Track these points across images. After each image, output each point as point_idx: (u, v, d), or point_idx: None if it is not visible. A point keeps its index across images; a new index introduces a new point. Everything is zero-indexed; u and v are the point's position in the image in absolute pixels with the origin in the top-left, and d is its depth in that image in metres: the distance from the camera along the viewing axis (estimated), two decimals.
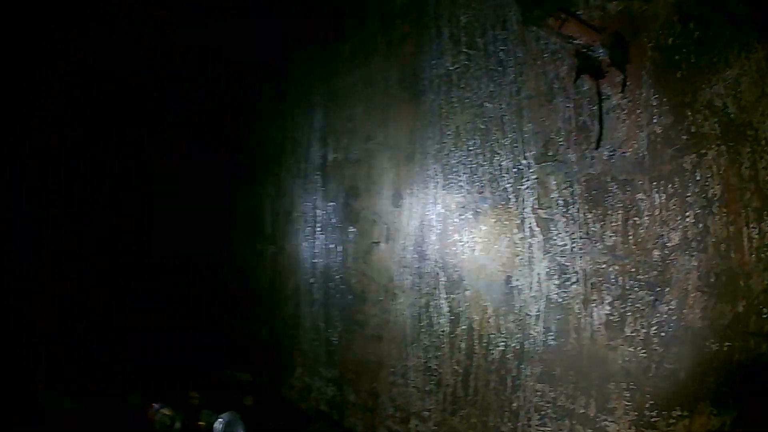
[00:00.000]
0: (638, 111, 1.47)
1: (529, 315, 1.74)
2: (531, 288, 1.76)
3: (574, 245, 1.63)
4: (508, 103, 1.87)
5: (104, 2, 3.54)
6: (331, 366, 2.57)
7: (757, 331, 1.21)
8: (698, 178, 1.32)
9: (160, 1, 3.52)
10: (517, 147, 1.84)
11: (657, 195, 1.41)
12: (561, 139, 1.69)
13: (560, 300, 1.65)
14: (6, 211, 3.42)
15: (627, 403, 1.40)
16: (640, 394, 1.37)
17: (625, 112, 1.51)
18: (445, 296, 2.07)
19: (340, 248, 2.65)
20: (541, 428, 1.63)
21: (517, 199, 1.83)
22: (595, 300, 1.54)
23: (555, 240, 1.69)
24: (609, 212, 1.54)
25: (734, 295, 1.23)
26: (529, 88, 1.79)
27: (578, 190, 1.63)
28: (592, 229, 1.58)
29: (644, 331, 1.39)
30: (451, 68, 2.07)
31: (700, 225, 1.31)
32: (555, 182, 1.71)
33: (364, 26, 2.51)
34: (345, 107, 2.61)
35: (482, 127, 1.96)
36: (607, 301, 1.51)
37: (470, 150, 2.01)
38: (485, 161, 1.95)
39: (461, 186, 2.04)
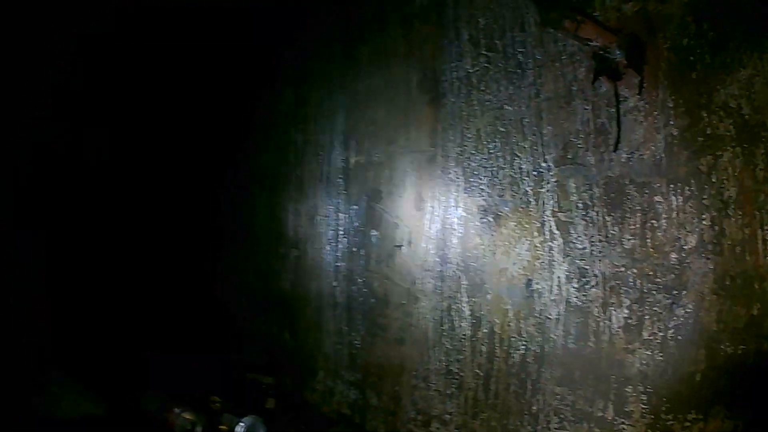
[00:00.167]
0: (655, 113, 1.55)
1: (549, 318, 1.83)
2: (551, 291, 1.84)
3: (593, 248, 1.71)
4: (527, 106, 1.96)
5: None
6: (353, 369, 2.71)
7: None
8: (714, 180, 1.39)
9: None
10: (536, 150, 1.93)
11: (674, 198, 1.48)
12: (580, 142, 1.77)
13: (580, 303, 1.73)
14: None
15: (644, 407, 1.47)
16: (657, 398, 1.44)
17: (642, 114, 1.58)
18: (467, 300, 2.17)
19: (362, 252, 2.77)
20: (560, 431, 1.71)
21: (537, 202, 1.92)
22: (613, 303, 1.62)
23: (575, 243, 1.77)
24: (627, 215, 1.61)
25: (749, 298, 1.29)
26: (548, 91, 1.88)
27: (597, 192, 1.71)
28: (611, 232, 1.66)
29: (661, 334, 1.46)
30: (470, 70, 2.18)
31: (716, 228, 1.38)
32: (574, 185, 1.79)
33: (384, 28, 2.64)
34: (367, 110, 2.74)
35: (502, 129, 2.06)
36: (625, 305, 1.58)
37: (491, 153, 2.10)
38: (506, 164, 2.05)
39: (482, 189, 2.14)
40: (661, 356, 1.45)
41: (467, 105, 2.19)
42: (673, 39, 1.50)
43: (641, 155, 1.58)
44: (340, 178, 2.93)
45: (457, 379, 2.13)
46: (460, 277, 2.21)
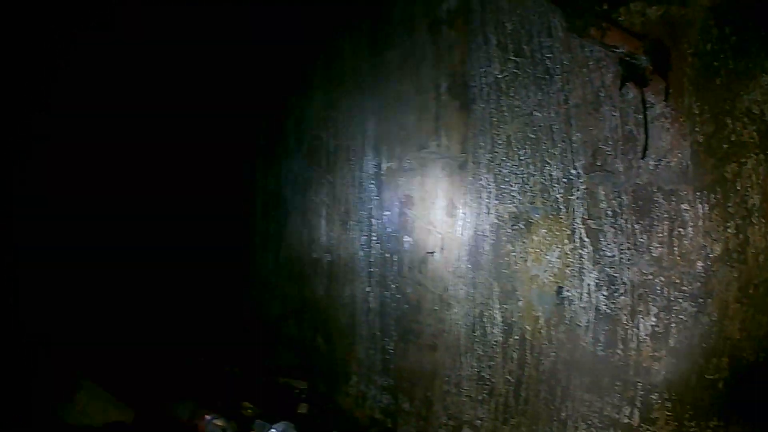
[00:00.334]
0: (681, 119, 1.63)
1: (579, 326, 1.93)
2: (581, 299, 1.94)
3: (622, 256, 1.81)
4: (556, 112, 2.06)
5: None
6: (386, 374, 2.87)
7: None
8: (738, 187, 1.47)
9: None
10: (566, 156, 2.03)
11: (700, 205, 1.57)
12: (608, 149, 1.87)
13: (609, 311, 1.83)
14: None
15: (668, 413, 1.56)
16: (681, 405, 1.53)
17: (668, 120, 1.67)
18: (499, 306, 2.29)
19: (395, 257, 2.93)
20: None
21: (567, 209, 2.02)
22: (641, 311, 1.71)
23: (604, 251, 1.87)
24: (655, 223, 1.70)
25: None
26: (576, 97, 1.98)
27: (626, 200, 1.81)
28: (640, 240, 1.75)
29: (687, 342, 1.55)
30: (499, 76, 2.30)
31: (740, 236, 1.46)
32: (603, 192, 1.88)
33: (412, 33, 2.79)
34: (397, 115, 2.89)
35: (532, 136, 2.17)
36: (653, 313, 1.67)
37: (521, 159, 2.22)
38: (536, 171, 2.16)
39: (513, 196, 2.26)
40: (686, 364, 1.54)
41: (497, 111, 2.31)
42: (697, 44, 1.58)
43: (668, 162, 1.67)
44: (372, 183, 3.10)
45: (488, 385, 2.26)
46: (492, 284, 2.34)
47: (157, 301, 4.42)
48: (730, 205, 1.49)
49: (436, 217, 2.66)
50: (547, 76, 2.09)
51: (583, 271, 1.94)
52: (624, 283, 1.79)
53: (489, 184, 2.37)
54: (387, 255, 2.98)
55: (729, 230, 1.49)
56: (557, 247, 2.05)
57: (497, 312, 2.29)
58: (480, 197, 2.41)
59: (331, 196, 3.45)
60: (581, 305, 1.93)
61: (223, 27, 4.39)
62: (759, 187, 1.42)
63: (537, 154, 2.15)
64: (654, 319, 1.67)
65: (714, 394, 1.46)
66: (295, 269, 3.86)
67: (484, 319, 2.34)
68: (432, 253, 2.69)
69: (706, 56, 1.56)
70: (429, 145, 2.69)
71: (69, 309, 3.95)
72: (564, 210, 2.03)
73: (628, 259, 1.78)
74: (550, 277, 2.07)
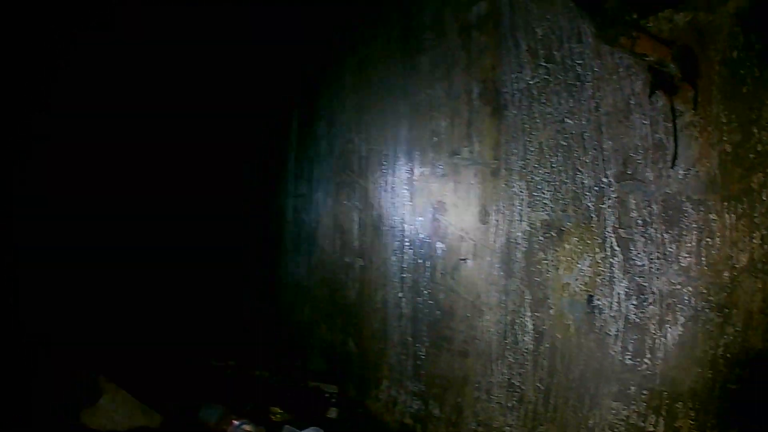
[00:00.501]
0: (709, 128, 1.73)
1: (608, 334, 2.04)
2: (611, 308, 2.05)
3: (652, 265, 1.91)
4: (587, 119, 2.18)
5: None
6: (417, 380, 3.02)
7: None
8: (764, 198, 1.56)
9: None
10: (597, 165, 2.14)
11: (727, 215, 1.67)
12: (639, 157, 1.98)
13: (638, 320, 1.93)
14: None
15: (692, 422, 1.66)
16: (704, 414, 1.63)
17: (697, 129, 1.77)
18: (530, 314, 2.41)
19: (428, 263, 3.08)
20: None
21: (598, 217, 2.13)
22: (669, 321, 1.81)
23: (634, 260, 1.98)
24: (684, 233, 1.80)
25: None
26: (607, 104, 2.09)
27: (656, 209, 1.91)
28: (669, 249, 1.85)
29: (712, 352, 1.65)
30: (531, 82, 2.42)
31: (766, 246, 1.55)
32: (634, 201, 1.99)
33: (443, 38, 2.95)
34: (429, 120, 3.05)
35: (564, 143, 2.28)
36: (680, 322, 1.77)
37: (553, 167, 2.34)
38: (568, 179, 2.27)
39: (546, 204, 2.38)
40: (710, 374, 1.64)
41: (529, 117, 2.44)
42: (724, 51, 1.68)
43: (697, 172, 1.77)
44: (405, 188, 3.26)
45: (518, 392, 2.39)
46: (523, 292, 2.46)
47: (187, 303, 4.69)
48: (756, 215, 1.59)
49: (469, 223, 2.80)
50: (578, 83, 2.20)
51: (614, 280, 2.05)
52: (653, 293, 1.89)
53: (522, 192, 2.49)
54: (419, 261, 3.14)
55: (755, 240, 1.58)
56: (588, 256, 2.17)
57: (528, 320, 2.41)
58: (513, 204, 2.54)
59: (364, 201, 3.63)
60: (611, 314, 2.04)
61: (252, 27, 4.65)
62: None
63: (569, 161, 2.27)
64: (681, 328, 1.77)
65: (736, 404, 1.55)
66: (327, 274, 4.06)
67: (516, 327, 2.47)
68: (465, 259, 2.83)
69: (733, 64, 1.66)
70: (461, 151, 2.84)
71: (95, 311, 4.23)
72: (595, 218, 2.14)
73: (658, 269, 1.88)
74: (581, 286, 2.18)
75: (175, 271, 4.81)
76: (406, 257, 3.25)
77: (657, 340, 1.84)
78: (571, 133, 2.25)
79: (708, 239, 1.72)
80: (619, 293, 2.03)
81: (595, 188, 2.15)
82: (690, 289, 1.76)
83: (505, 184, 2.58)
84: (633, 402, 1.88)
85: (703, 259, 1.73)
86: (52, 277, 4.16)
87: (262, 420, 3.22)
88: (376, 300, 3.45)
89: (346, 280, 3.79)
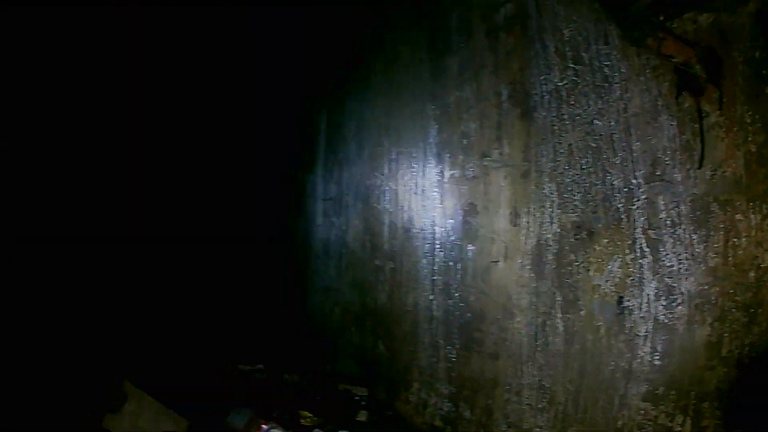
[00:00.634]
0: (735, 129, 1.83)
1: (638, 335, 2.14)
2: (641, 309, 2.15)
3: (680, 266, 2.01)
4: (616, 121, 2.28)
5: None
6: (447, 382, 3.16)
7: None
8: None
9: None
10: (627, 166, 2.25)
11: (753, 216, 1.76)
12: (667, 159, 2.08)
13: (667, 321, 2.03)
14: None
15: (717, 422, 1.76)
16: (730, 413, 1.72)
17: (723, 130, 1.87)
18: (561, 316, 2.52)
19: (459, 266, 3.21)
20: None
21: (628, 219, 2.24)
22: (697, 321, 1.91)
23: (663, 261, 2.08)
24: (711, 233, 1.90)
25: None
26: (635, 106, 2.19)
27: (684, 210, 2.01)
28: (697, 250, 1.95)
29: (738, 351, 1.74)
30: (559, 84, 2.54)
31: None
32: (663, 202, 2.09)
33: (470, 39, 3.08)
34: (459, 123, 3.18)
35: (593, 145, 2.39)
36: (708, 322, 1.87)
37: (583, 169, 2.44)
38: (598, 180, 2.38)
39: (576, 205, 2.49)
40: (736, 373, 1.73)
41: (558, 119, 2.55)
42: (746, 52, 1.78)
43: (723, 172, 1.86)
44: (435, 191, 3.40)
45: (548, 393, 2.50)
46: (554, 293, 2.57)
47: (216, 306, 4.91)
48: None
49: (500, 225, 2.92)
50: (606, 84, 2.31)
51: (643, 281, 2.15)
52: (682, 293, 1.99)
53: (552, 193, 2.60)
54: (450, 263, 3.27)
55: None
56: (618, 257, 2.27)
57: (559, 321, 2.52)
58: (543, 206, 2.65)
59: (394, 204, 3.79)
60: (641, 315, 2.14)
61: (280, 28, 4.87)
62: None
63: (598, 163, 2.37)
64: (709, 328, 1.86)
65: (762, 403, 1.64)
66: (357, 277, 4.23)
67: (547, 328, 2.58)
68: (496, 261, 2.95)
69: (756, 64, 1.75)
70: (491, 153, 2.96)
71: (125, 313, 4.46)
72: (625, 220, 2.25)
73: (686, 270, 1.98)
74: (611, 287, 2.29)
75: (203, 274, 5.04)
76: (436, 260, 3.38)
77: (685, 341, 1.94)
78: (600, 135, 2.35)
79: (735, 239, 1.81)
80: (648, 294, 2.13)
81: (625, 189, 2.25)
82: (717, 289, 1.85)
83: (536, 186, 2.69)
84: (661, 402, 1.98)
85: (729, 259, 1.83)
86: (80, 277, 4.42)
87: (291, 424, 3.34)
88: (407, 303, 3.59)
89: (377, 283, 3.95)
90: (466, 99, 3.12)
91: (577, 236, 2.47)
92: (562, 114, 2.53)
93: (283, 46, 5.63)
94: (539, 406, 2.54)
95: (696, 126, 1.95)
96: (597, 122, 2.37)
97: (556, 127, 2.57)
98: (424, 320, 3.42)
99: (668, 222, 2.06)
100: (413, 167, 3.59)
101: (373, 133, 4.08)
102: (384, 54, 3.98)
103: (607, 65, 2.30)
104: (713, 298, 1.86)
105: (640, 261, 2.17)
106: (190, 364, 3.97)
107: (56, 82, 4.38)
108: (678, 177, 2.03)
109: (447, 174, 3.30)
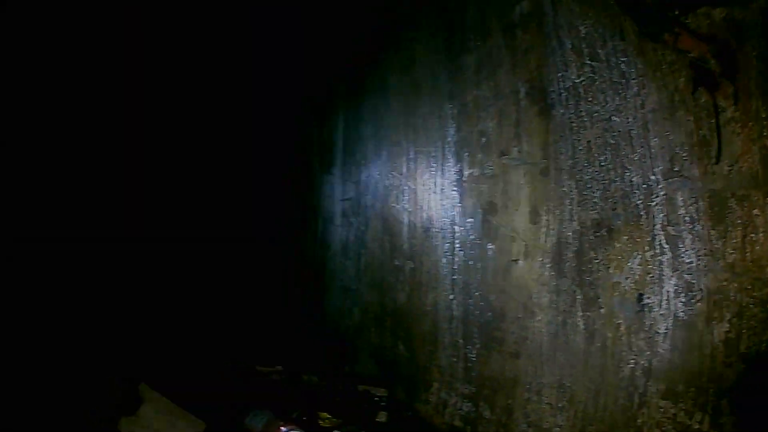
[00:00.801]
0: (750, 124, 1.89)
1: (658, 333, 2.21)
2: (660, 306, 2.21)
3: (699, 262, 2.07)
4: (634, 117, 2.35)
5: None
6: (468, 382, 3.24)
7: None
8: None
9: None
10: (645, 162, 2.31)
11: None
12: (685, 154, 2.14)
13: (686, 318, 2.09)
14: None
15: (735, 418, 1.81)
16: (747, 411, 1.78)
17: (739, 125, 1.92)
18: (581, 314, 2.59)
19: (479, 265, 3.29)
20: None
21: (647, 215, 2.30)
22: (716, 317, 1.97)
23: (682, 257, 2.14)
24: (729, 229, 1.96)
25: None
26: (652, 102, 2.26)
27: (702, 206, 2.07)
28: (715, 246, 2.01)
29: (755, 348, 1.80)
30: (577, 81, 2.60)
31: None
32: (681, 198, 2.15)
33: (487, 37, 3.17)
34: (477, 121, 3.27)
35: (612, 141, 2.46)
36: (726, 319, 1.93)
37: (602, 165, 2.51)
38: (617, 177, 2.45)
39: (595, 203, 2.55)
40: (754, 369, 1.79)
41: (576, 116, 2.62)
42: (759, 46, 1.84)
43: (740, 167, 1.92)
44: (454, 190, 3.48)
45: (568, 392, 2.57)
46: (575, 291, 2.64)
47: (234, 307, 5.04)
48: None
49: (520, 224, 2.99)
50: (623, 81, 2.38)
51: (663, 278, 2.21)
52: (701, 290, 2.05)
53: (571, 191, 2.67)
54: (470, 262, 3.35)
55: None
56: (638, 254, 2.33)
57: (580, 319, 2.59)
58: (563, 204, 2.72)
59: (413, 203, 3.88)
60: (660, 312, 2.21)
61: (296, 25, 4.99)
62: None
63: (617, 159, 2.44)
64: (727, 325, 1.92)
65: None
66: (376, 277, 4.33)
67: (567, 327, 2.65)
68: (516, 260, 3.02)
69: None
70: (510, 151, 3.04)
71: (140, 314, 4.59)
72: (644, 216, 2.31)
73: (705, 266, 2.04)
74: (632, 285, 2.35)
75: (221, 275, 5.18)
76: (456, 259, 3.47)
77: (704, 338, 2.00)
78: (619, 131, 2.42)
79: (752, 235, 1.87)
80: (668, 291, 2.19)
81: (644, 186, 2.31)
82: (735, 285, 1.91)
83: (555, 184, 2.76)
84: (681, 400, 2.04)
85: (747, 254, 1.89)
86: (94, 278, 4.57)
87: (310, 425, 3.42)
88: (427, 302, 3.68)
89: (396, 283, 4.05)
90: (484, 97, 3.20)
91: (597, 233, 2.54)
92: (580, 111, 2.60)
93: (301, 44, 5.76)
94: (559, 405, 2.61)
95: (712, 121, 2.01)
96: (615, 119, 2.43)
97: (574, 124, 2.64)
98: (444, 320, 3.51)
99: (687, 218, 2.12)
100: (432, 166, 3.68)
101: (391, 133, 4.18)
102: (401, 53, 4.08)
103: (623, 61, 2.37)
104: (732, 294, 1.92)
105: (659, 258, 2.24)
106: (208, 366, 4.07)
107: (56, 82, 4.53)
108: (696, 173, 2.09)
109: (466, 172, 3.39)
